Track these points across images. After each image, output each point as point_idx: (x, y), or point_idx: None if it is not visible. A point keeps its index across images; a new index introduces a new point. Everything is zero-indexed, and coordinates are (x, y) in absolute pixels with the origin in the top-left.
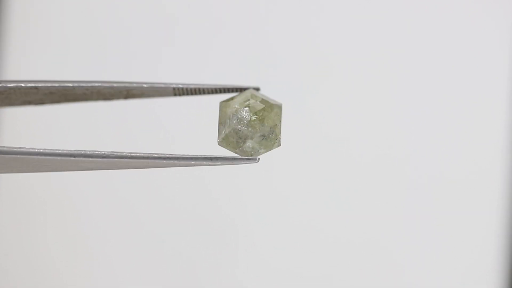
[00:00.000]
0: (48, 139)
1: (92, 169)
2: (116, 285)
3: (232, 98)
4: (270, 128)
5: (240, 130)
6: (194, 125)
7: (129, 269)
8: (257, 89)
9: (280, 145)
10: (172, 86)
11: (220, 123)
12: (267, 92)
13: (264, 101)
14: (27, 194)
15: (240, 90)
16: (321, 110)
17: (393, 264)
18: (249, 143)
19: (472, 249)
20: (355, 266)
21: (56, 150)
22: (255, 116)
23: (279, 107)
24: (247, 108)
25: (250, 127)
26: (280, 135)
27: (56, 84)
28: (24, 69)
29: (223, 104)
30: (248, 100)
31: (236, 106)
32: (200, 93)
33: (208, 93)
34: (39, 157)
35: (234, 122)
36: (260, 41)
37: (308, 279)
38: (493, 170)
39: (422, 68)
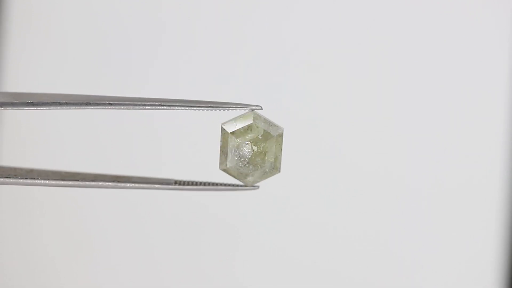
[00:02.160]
0: (49, 139)
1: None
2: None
3: (234, 121)
4: (271, 163)
5: (241, 167)
6: (196, 138)
7: (129, 271)
8: (259, 107)
9: (279, 172)
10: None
11: (221, 151)
12: (264, 101)
13: (266, 133)
14: (27, 195)
15: (242, 106)
16: (321, 119)
17: (394, 273)
18: (249, 178)
19: (472, 250)
20: (355, 276)
21: (59, 181)
22: (256, 149)
23: (281, 135)
24: (248, 143)
25: (251, 165)
26: (280, 164)
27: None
28: (23, 73)
29: (225, 130)
30: (250, 128)
31: (238, 140)
32: (201, 108)
33: (210, 107)
34: (40, 181)
35: (236, 158)
36: (259, 43)
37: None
38: (493, 172)
39: (421, 72)
